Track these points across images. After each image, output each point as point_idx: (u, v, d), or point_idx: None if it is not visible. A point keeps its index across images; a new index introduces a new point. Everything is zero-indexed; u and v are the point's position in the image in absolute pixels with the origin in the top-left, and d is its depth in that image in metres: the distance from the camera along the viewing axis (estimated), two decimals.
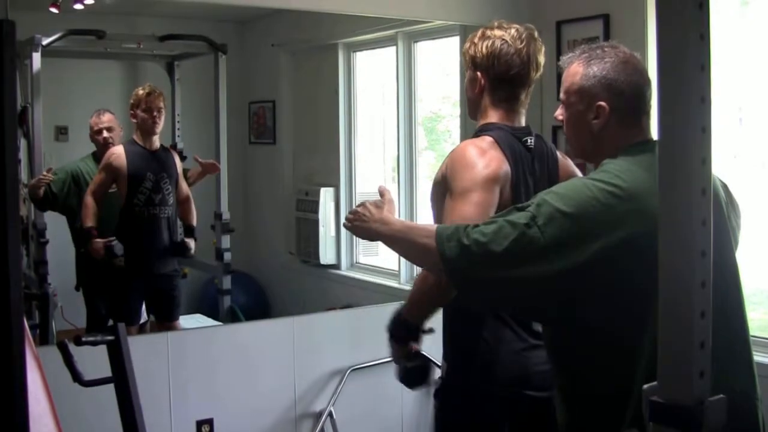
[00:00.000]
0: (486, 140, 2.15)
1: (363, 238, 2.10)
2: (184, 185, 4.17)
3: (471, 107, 2.31)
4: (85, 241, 3.81)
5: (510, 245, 1.64)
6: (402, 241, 1.92)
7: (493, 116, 2.22)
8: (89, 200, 3.80)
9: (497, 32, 2.22)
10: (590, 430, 1.75)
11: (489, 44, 2.21)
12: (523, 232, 1.64)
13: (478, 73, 2.23)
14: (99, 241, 3.76)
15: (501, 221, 1.68)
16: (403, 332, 2.14)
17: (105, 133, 4.00)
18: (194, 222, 4.20)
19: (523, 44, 2.20)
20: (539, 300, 1.71)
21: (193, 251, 4.20)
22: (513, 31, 2.22)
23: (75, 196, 3.91)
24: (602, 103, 1.80)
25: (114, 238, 3.78)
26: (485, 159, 2.09)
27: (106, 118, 4.03)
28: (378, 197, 2.08)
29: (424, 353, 2.21)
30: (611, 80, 1.80)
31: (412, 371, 2.23)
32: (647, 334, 1.59)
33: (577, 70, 1.85)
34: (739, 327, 1.77)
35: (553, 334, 1.84)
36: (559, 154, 2.32)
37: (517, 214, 1.68)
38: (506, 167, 2.11)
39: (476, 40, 2.25)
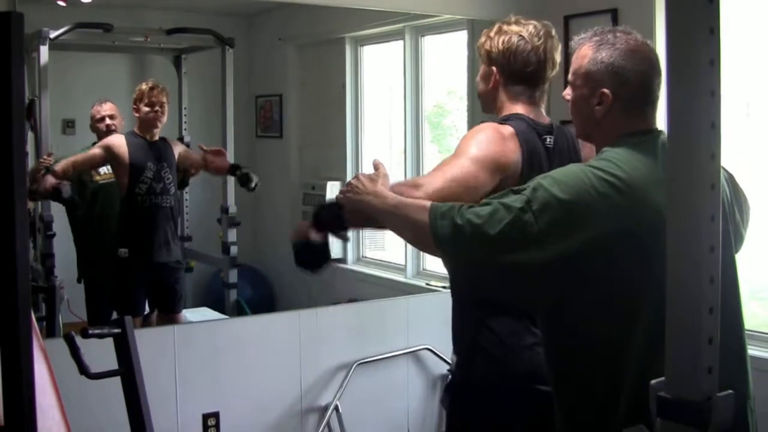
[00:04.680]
0: (507, 129, 2.11)
1: (354, 210, 2.00)
2: (193, 153, 4.17)
3: (484, 102, 2.27)
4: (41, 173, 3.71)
5: (504, 228, 1.62)
6: (395, 216, 1.87)
7: (515, 108, 2.18)
8: (72, 158, 3.80)
9: (514, 28, 2.18)
10: (583, 426, 1.73)
11: (506, 40, 2.16)
12: (518, 217, 1.62)
13: (493, 68, 2.19)
14: (51, 178, 3.66)
15: (496, 203, 1.66)
16: (331, 224, 2.04)
17: (108, 120, 4.01)
18: (231, 161, 4.18)
19: (541, 41, 2.16)
20: (530, 286, 1.68)
21: (255, 182, 4.16)
22: (531, 27, 2.17)
23: (76, 185, 3.90)
24: (606, 91, 1.78)
25: (68, 182, 3.71)
26: (499, 145, 2.05)
27: (108, 107, 4.04)
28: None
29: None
30: (618, 68, 1.78)
31: (313, 248, 2.10)
32: (638, 329, 1.59)
33: (586, 53, 1.83)
34: (736, 325, 1.75)
35: (543, 324, 1.82)
36: (581, 149, 2.25)
37: (512, 197, 1.66)
38: (517, 158, 2.07)
39: (492, 34, 2.20)
